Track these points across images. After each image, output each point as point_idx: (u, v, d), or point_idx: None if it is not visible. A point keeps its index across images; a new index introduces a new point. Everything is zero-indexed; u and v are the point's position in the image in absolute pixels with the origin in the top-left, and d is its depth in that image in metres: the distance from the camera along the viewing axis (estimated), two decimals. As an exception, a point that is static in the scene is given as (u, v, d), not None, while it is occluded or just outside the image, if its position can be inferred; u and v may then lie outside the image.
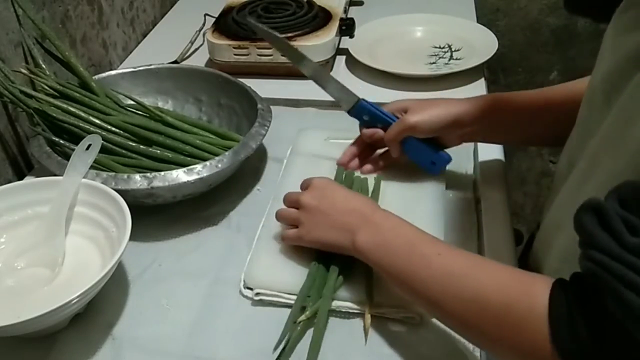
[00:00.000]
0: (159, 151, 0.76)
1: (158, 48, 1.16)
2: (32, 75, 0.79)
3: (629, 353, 0.39)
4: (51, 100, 0.77)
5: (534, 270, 0.55)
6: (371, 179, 0.76)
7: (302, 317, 0.59)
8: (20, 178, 0.83)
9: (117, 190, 0.66)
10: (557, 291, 0.43)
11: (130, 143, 0.76)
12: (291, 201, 0.67)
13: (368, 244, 0.58)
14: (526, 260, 0.71)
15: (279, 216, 0.68)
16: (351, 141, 0.83)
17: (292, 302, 0.62)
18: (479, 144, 0.82)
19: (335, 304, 0.61)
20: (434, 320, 0.60)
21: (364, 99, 0.76)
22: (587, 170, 0.57)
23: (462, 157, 0.82)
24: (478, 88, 0.97)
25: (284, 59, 1.00)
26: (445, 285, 0.50)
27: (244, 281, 0.65)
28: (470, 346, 0.57)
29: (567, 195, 0.60)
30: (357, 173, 0.78)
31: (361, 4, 1.28)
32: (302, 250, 0.66)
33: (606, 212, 0.40)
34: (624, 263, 0.38)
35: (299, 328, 0.59)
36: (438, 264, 0.52)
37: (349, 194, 0.65)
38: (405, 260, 0.54)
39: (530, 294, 0.44)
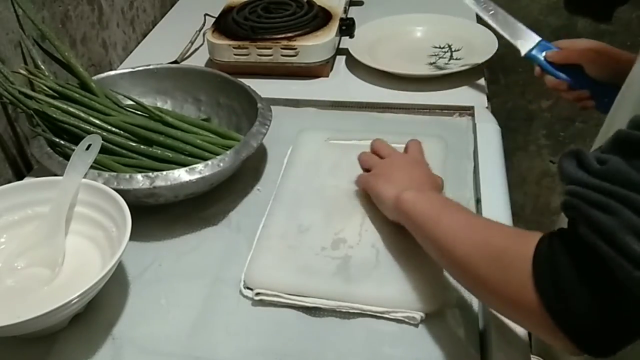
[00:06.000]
0: (159, 151, 0.76)
1: (158, 48, 1.16)
2: (31, 76, 0.79)
3: (607, 286, 0.41)
4: (51, 100, 0.77)
5: None
6: None
7: None
8: (20, 178, 0.83)
9: (119, 190, 0.66)
10: (545, 238, 0.45)
11: (131, 143, 0.76)
12: (383, 151, 0.75)
13: (410, 198, 0.62)
14: None
15: (361, 157, 0.76)
16: (351, 142, 0.83)
17: (292, 302, 0.62)
18: (479, 142, 0.82)
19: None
20: (434, 320, 0.60)
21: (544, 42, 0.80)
22: None
23: (463, 157, 0.82)
24: (478, 88, 0.97)
25: (284, 59, 1.00)
26: (460, 231, 0.54)
27: (244, 281, 0.65)
28: (470, 347, 0.57)
29: None
30: None
31: (361, 4, 1.28)
32: (302, 250, 0.66)
33: (583, 154, 0.43)
34: (589, 186, 0.41)
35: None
36: (461, 215, 0.57)
37: (426, 169, 0.71)
38: (434, 211, 0.58)
39: (526, 241, 0.46)
